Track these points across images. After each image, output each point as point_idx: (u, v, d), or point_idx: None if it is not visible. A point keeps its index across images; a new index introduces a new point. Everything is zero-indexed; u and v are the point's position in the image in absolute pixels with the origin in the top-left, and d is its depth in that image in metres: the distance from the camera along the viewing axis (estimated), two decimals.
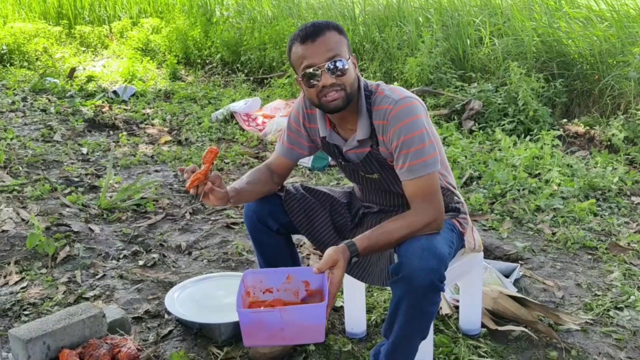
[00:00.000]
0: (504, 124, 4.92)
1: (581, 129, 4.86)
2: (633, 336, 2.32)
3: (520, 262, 2.93)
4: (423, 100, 3.10)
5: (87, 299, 2.61)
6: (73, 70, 7.65)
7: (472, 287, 2.26)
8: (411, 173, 1.82)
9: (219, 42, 7.82)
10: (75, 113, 5.85)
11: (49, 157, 4.50)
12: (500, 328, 2.30)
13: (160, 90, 6.93)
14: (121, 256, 3.02)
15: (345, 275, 1.75)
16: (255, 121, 5.40)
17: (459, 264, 2.08)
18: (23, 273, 2.80)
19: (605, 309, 2.49)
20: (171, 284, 2.70)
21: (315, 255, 2.98)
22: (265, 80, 7.12)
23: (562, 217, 3.43)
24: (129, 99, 6.53)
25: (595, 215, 3.49)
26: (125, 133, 5.27)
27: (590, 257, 3.01)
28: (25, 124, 5.47)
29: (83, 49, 9.29)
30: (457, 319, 2.37)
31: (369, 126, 1.89)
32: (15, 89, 6.84)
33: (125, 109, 6.12)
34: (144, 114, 5.89)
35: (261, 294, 1.86)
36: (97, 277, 2.80)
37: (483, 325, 2.32)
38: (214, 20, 8.28)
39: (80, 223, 3.33)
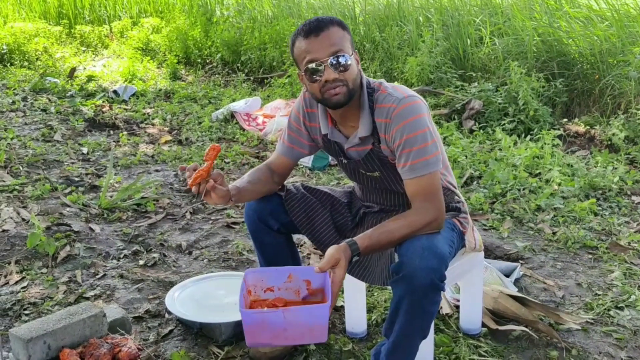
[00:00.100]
0: (504, 124, 4.92)
1: (581, 128, 4.86)
2: (634, 336, 2.32)
3: (520, 261, 2.93)
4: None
5: (87, 298, 2.61)
6: (73, 70, 7.65)
7: (472, 286, 2.26)
8: (413, 172, 1.82)
9: (219, 41, 7.82)
10: (75, 113, 5.85)
11: (49, 157, 4.50)
12: (500, 327, 2.30)
13: (160, 90, 6.93)
14: (122, 256, 3.02)
15: (346, 274, 1.75)
16: (255, 121, 5.40)
17: (460, 264, 2.08)
18: (23, 273, 2.80)
19: (605, 309, 2.49)
20: (172, 284, 2.70)
21: (315, 254, 2.98)
22: (265, 80, 7.12)
23: (562, 216, 3.43)
24: (129, 98, 6.53)
25: (596, 214, 3.49)
26: (125, 133, 5.27)
27: (590, 256, 3.00)
28: (26, 124, 5.47)
29: (83, 48, 9.29)
30: (458, 318, 2.37)
31: (370, 123, 1.89)
32: (15, 89, 6.84)
33: (125, 109, 6.12)
34: (144, 114, 5.89)
35: (262, 292, 1.86)
36: (97, 276, 2.80)
37: (483, 325, 2.32)
38: (214, 19, 8.28)
39: (81, 223, 3.33)
